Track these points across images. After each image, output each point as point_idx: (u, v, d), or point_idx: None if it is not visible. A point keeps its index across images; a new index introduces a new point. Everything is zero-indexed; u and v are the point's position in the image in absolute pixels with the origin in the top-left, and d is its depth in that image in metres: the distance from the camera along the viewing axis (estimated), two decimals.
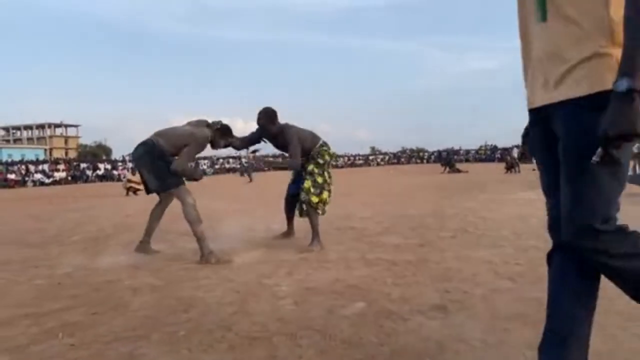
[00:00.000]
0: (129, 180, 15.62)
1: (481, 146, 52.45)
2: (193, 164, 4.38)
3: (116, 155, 48.52)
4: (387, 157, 58.16)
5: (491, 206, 7.61)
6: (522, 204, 7.75)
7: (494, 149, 48.91)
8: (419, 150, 63.23)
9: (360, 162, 56.05)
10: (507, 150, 40.31)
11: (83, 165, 38.87)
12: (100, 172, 37.43)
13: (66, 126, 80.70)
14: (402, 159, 55.97)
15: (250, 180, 22.45)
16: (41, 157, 45.80)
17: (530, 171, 20.31)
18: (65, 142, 78.78)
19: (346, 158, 56.85)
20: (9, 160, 38.06)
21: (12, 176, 32.85)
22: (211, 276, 3.57)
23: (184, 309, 2.80)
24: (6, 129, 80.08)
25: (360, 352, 2.10)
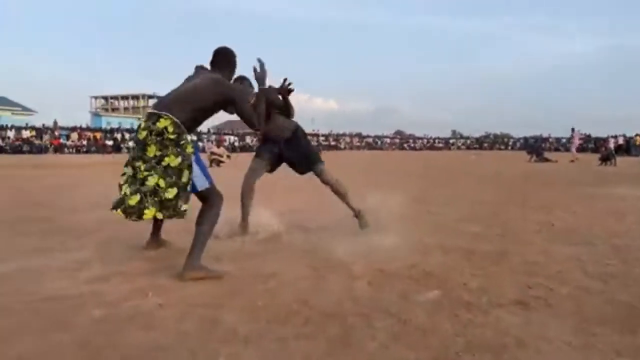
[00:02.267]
0: (213, 153, 16.38)
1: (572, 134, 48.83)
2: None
3: (202, 127, 50.89)
4: (468, 142, 56.02)
5: (582, 200, 7.11)
6: (617, 200, 7.17)
7: (587, 138, 45.37)
8: (503, 136, 60.17)
9: (440, 145, 54.50)
10: (603, 141, 37.17)
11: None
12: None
13: (158, 97, 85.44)
14: (485, 145, 53.62)
15: None
16: (135, 126, 49.05)
17: (630, 165, 18.69)
18: None
19: (425, 140, 55.55)
20: (108, 127, 41.10)
21: (109, 142, 35.52)
22: (289, 251, 3.66)
23: (263, 280, 2.91)
24: (105, 98, 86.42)
25: (434, 340, 2.07)
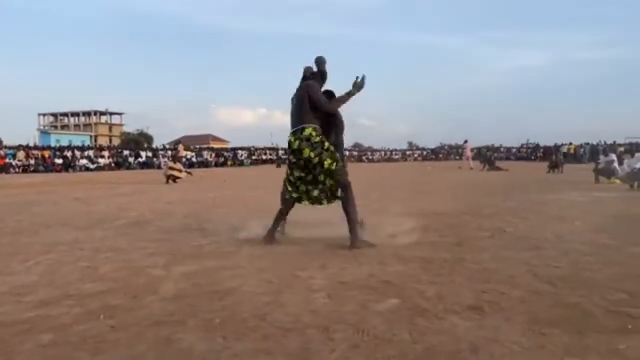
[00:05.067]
0: (170, 168, 16.02)
1: (522, 144, 50.87)
2: None
3: (157, 143, 49.77)
4: (424, 152, 57.30)
5: (532, 206, 7.40)
6: (565, 206, 7.51)
7: (536, 147, 47.37)
8: (458, 147, 61.91)
9: (397, 156, 55.47)
10: (552, 149, 39.04)
11: (125, 152, 40.06)
12: (141, 160, 38.50)
13: (111, 114, 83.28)
14: (440, 155, 54.98)
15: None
16: (87, 143, 47.53)
17: (574, 171, 19.61)
18: (110, 129, 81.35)
19: (383, 152, 56.41)
20: (57, 145, 39.63)
21: (59, 161, 34.21)
22: (246, 266, 3.62)
23: (220, 297, 2.85)
24: (54, 115, 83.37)
25: (392, 348, 2.09)
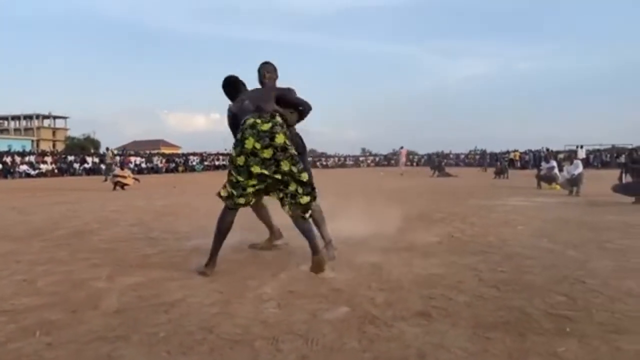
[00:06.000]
0: (116, 175, 15.46)
1: (471, 151, 52.70)
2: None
3: (104, 148, 48.01)
4: (377, 159, 58.22)
5: (479, 212, 7.64)
6: (509, 210, 7.80)
7: (483, 153, 49.16)
8: (410, 153, 63.30)
9: (350, 163, 56.06)
10: (497, 156, 40.74)
11: (70, 158, 38.38)
12: (87, 166, 36.98)
13: (54, 117, 79.70)
14: (392, 161, 56.01)
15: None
16: (28, 149, 45.21)
17: (519, 177, 20.47)
18: (53, 133, 77.80)
19: (336, 158, 56.85)
20: None
21: None
22: (194, 276, 3.52)
23: (165, 309, 2.76)
24: None
25: (342, 357, 2.08)
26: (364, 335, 2.33)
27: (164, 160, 42.04)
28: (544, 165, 13.80)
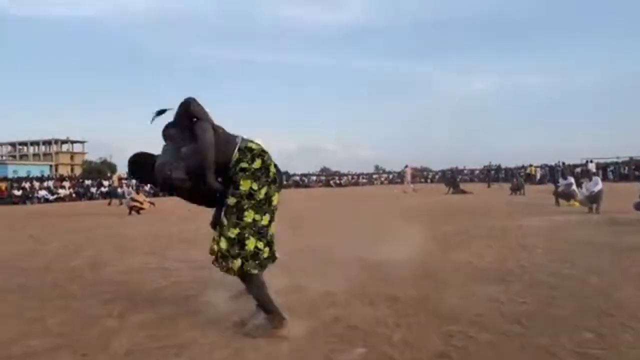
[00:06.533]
0: (133, 199, 15.57)
1: (485, 166, 52.23)
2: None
3: (121, 172, 48.58)
4: (390, 176, 57.99)
5: (496, 233, 7.47)
6: (527, 233, 7.61)
7: (498, 168, 48.66)
8: (423, 170, 63.03)
9: (364, 180, 55.90)
10: (512, 171, 40.24)
11: (87, 182, 38.90)
12: (104, 189, 37.42)
13: (72, 142, 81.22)
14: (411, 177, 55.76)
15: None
16: (46, 173, 45.99)
17: (535, 193, 20.13)
18: (71, 158, 79.19)
19: (350, 177, 56.78)
20: (15, 176, 38.15)
21: (18, 192, 32.90)
22: (206, 313, 3.44)
23: (176, 352, 2.68)
24: (13, 145, 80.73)
25: None
26: None
27: None
28: (561, 182, 13.56)
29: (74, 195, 35.27)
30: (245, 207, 2.85)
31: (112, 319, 3.38)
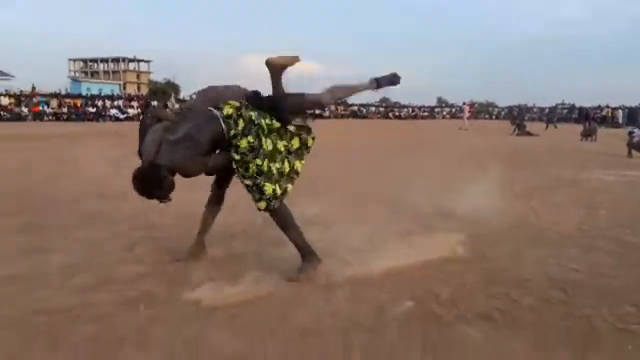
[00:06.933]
0: None
1: (557, 104, 49.23)
2: None
3: (184, 93, 49.86)
4: (453, 110, 56.15)
5: (560, 187, 7.32)
6: (593, 187, 7.40)
7: (572, 108, 45.85)
8: (488, 105, 60.52)
9: (425, 113, 54.55)
10: (585, 110, 37.67)
11: (153, 102, 40.45)
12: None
13: (138, 61, 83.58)
14: (469, 113, 53.79)
15: None
16: (116, 92, 48.07)
17: (608, 138, 19.02)
18: (138, 77, 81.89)
19: (410, 109, 55.50)
20: (88, 93, 40.26)
21: (92, 110, 34.92)
22: (264, 259, 3.66)
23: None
24: (84, 61, 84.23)
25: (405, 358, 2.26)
26: (426, 336, 2.47)
27: None
28: (637, 132, 12.76)
29: (141, 115, 37.03)
30: (249, 159, 3.12)
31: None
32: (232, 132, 3.13)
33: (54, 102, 34.30)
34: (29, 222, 4.63)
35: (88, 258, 3.64)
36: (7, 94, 33.32)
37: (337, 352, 2.32)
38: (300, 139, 3.32)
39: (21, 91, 35.10)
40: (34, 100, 33.59)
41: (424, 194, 5.48)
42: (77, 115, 33.81)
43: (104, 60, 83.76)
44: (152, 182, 3.00)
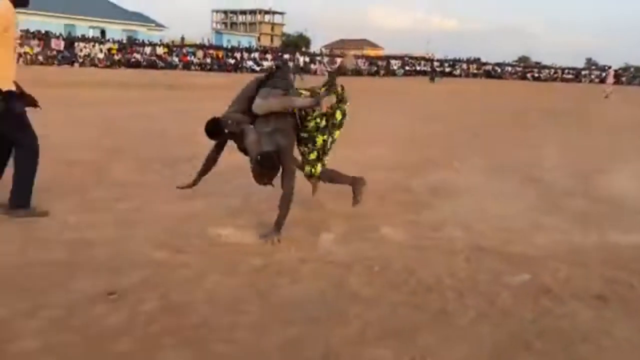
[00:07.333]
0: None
1: None
2: None
3: (314, 47, 51.13)
4: (603, 75, 50.23)
5: None
6: None
7: None
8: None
9: (570, 76, 49.64)
10: None
11: (286, 56, 42.20)
12: (299, 65, 40.32)
13: (273, 13, 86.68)
14: (622, 79, 47.80)
15: None
16: (253, 45, 50.85)
17: None
18: (272, 29, 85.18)
19: (552, 70, 50.85)
20: (229, 45, 43.17)
21: (231, 61, 37.60)
22: (391, 217, 4.23)
23: (375, 245, 3.56)
24: (225, 13, 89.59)
25: (512, 323, 2.59)
26: (537, 307, 2.77)
27: (367, 63, 43.24)
28: None
29: (274, 67, 38.93)
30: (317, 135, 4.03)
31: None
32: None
33: (200, 53, 37.49)
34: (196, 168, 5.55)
35: (246, 203, 4.41)
36: (162, 44, 37.14)
37: (455, 309, 2.72)
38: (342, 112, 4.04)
39: (172, 41, 38.86)
40: (183, 51, 37.04)
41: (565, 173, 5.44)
42: (219, 66, 36.66)
43: (243, 12, 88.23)
44: (268, 164, 3.63)
